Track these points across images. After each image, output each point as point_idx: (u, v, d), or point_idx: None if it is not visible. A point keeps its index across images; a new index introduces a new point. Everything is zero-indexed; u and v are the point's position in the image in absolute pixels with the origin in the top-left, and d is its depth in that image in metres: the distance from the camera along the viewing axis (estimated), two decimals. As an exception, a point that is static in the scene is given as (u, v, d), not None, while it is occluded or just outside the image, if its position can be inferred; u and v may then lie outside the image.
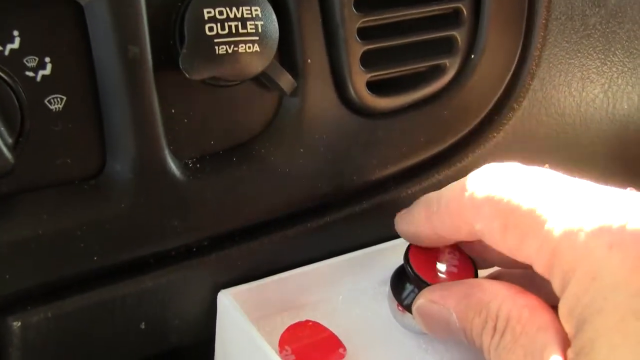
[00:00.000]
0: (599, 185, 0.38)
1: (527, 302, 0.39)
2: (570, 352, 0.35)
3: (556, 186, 0.38)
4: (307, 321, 0.49)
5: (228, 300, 0.47)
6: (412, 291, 0.46)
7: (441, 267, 0.46)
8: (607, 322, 0.33)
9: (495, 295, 0.40)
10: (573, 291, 0.35)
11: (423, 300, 0.44)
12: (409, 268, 0.46)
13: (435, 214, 0.44)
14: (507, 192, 0.39)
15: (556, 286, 0.36)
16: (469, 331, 0.41)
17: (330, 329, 0.48)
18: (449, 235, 0.44)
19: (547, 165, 0.42)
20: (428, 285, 0.45)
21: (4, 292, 0.42)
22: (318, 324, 0.48)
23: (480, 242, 0.42)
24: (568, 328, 0.36)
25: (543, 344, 0.36)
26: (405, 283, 0.47)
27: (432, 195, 0.45)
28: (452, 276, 0.45)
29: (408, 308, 0.46)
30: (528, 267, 0.39)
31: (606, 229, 0.34)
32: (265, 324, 0.48)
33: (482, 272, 0.48)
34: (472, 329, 0.40)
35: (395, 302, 0.47)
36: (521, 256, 0.38)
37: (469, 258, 0.47)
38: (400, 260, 0.47)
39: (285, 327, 0.48)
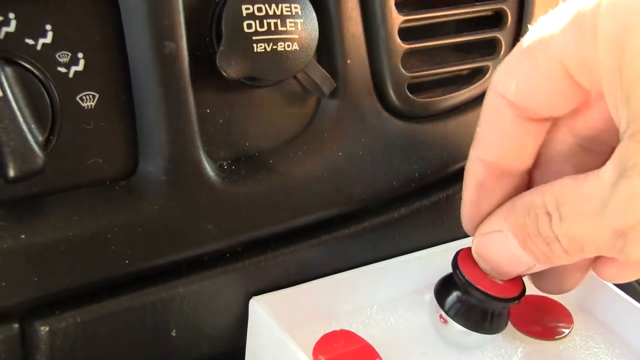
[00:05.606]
0: None
1: (563, 179, 0.38)
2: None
3: None
4: (342, 330, 0.47)
5: (260, 307, 0.46)
6: (459, 300, 0.44)
7: None
8: None
9: (532, 192, 0.39)
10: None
11: (478, 238, 0.43)
12: (458, 273, 0.44)
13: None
14: None
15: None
16: (529, 241, 0.39)
17: (365, 338, 0.47)
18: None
19: None
20: (479, 290, 0.43)
21: (31, 296, 0.40)
22: (353, 333, 0.47)
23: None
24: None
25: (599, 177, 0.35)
26: (452, 290, 0.45)
27: None
28: (504, 281, 0.44)
29: (453, 317, 0.45)
30: None
31: None
32: (297, 332, 0.46)
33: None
34: (530, 234, 0.39)
35: (437, 313, 0.46)
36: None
37: None
38: (437, 268, 0.46)
39: (319, 336, 0.47)
